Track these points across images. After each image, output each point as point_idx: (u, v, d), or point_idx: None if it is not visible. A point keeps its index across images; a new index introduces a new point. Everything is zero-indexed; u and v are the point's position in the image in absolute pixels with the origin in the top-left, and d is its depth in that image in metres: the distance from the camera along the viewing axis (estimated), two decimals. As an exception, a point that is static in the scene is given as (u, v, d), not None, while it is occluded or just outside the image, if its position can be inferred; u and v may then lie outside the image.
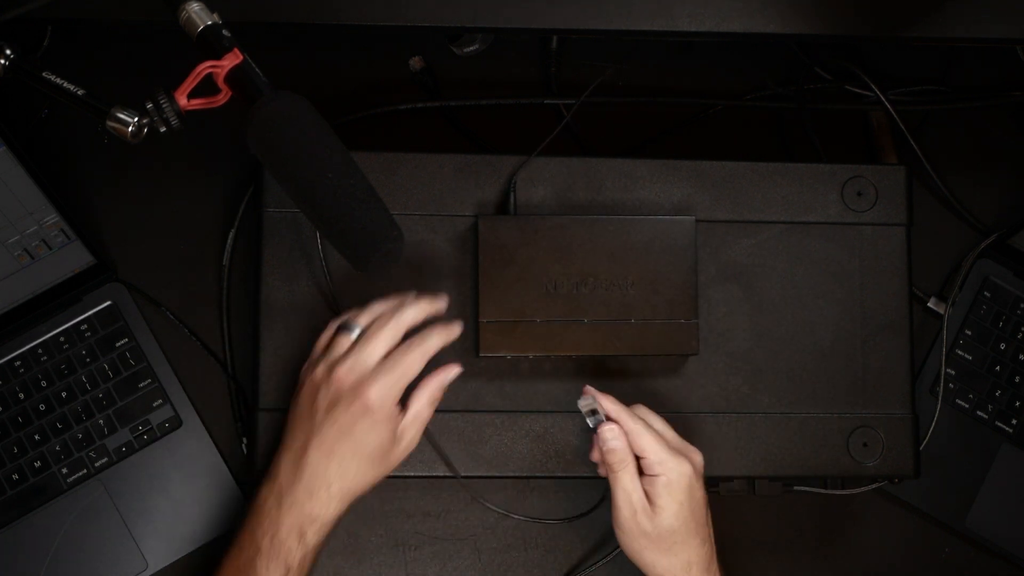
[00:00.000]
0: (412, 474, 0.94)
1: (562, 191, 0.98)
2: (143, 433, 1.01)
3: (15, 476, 0.99)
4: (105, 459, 1.00)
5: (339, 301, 0.95)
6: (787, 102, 1.12)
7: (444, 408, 0.94)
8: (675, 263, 0.94)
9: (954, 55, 1.14)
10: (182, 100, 0.74)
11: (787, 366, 0.98)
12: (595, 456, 0.92)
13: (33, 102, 1.06)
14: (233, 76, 0.75)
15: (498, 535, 1.02)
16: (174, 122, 0.75)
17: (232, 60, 0.74)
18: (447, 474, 0.95)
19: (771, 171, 1.00)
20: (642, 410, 0.92)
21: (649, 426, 0.89)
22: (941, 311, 1.08)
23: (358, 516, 1.01)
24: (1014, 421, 1.08)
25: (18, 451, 1.00)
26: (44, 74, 0.75)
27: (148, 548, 1.00)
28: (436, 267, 0.96)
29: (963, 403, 1.08)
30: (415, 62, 1.10)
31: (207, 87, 0.75)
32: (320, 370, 0.87)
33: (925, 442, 1.03)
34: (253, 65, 0.75)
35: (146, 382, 1.01)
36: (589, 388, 0.91)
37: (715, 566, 0.90)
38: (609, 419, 0.89)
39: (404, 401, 0.88)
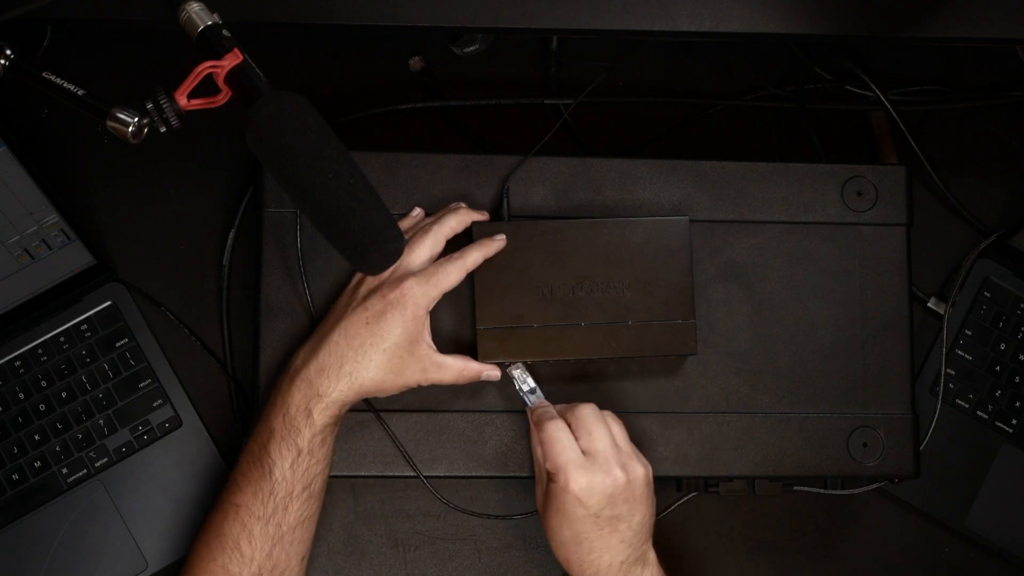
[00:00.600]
0: (412, 474, 0.94)
1: (562, 191, 0.98)
2: (143, 433, 1.01)
3: (15, 476, 0.99)
4: (105, 459, 1.00)
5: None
6: (787, 102, 1.12)
7: (444, 408, 0.94)
8: (671, 263, 0.94)
9: (954, 55, 1.14)
10: (182, 100, 0.74)
11: (787, 366, 0.98)
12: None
13: (33, 102, 1.06)
14: (233, 76, 0.75)
15: (498, 535, 1.02)
16: (174, 122, 0.75)
17: (232, 60, 0.74)
18: (447, 474, 0.95)
19: (771, 171, 1.00)
20: (588, 415, 0.89)
21: (565, 430, 0.87)
22: (941, 311, 1.08)
23: (358, 516, 1.01)
24: (1014, 421, 1.08)
25: (18, 451, 1.00)
26: (44, 74, 0.75)
27: (148, 548, 1.00)
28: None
29: (963, 403, 1.08)
30: (415, 62, 1.10)
31: (207, 87, 0.75)
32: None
33: (925, 442, 1.03)
34: (253, 65, 0.75)
35: (146, 382, 1.01)
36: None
37: (610, 572, 0.88)
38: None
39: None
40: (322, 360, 0.87)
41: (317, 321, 0.94)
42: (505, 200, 0.96)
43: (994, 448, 1.08)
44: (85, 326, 1.01)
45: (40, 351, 1.01)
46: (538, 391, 0.93)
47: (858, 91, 1.12)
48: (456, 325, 0.94)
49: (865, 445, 0.98)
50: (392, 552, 1.01)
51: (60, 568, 0.99)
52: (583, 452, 0.87)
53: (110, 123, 0.74)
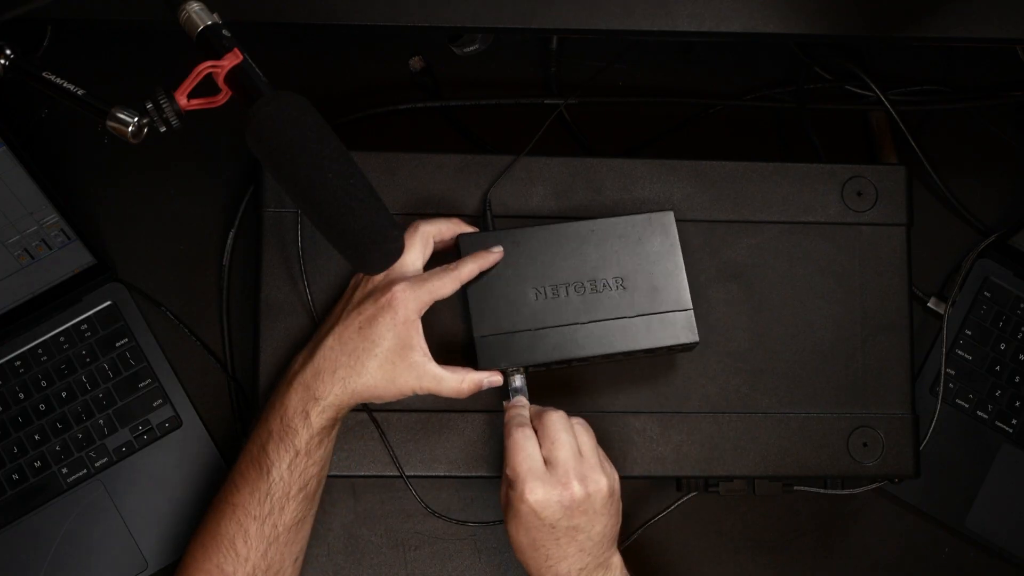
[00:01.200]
0: (411, 474, 0.94)
1: (561, 191, 0.98)
2: (143, 433, 1.01)
3: (15, 476, 0.99)
4: (105, 459, 1.00)
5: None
6: (787, 102, 1.12)
7: (444, 408, 0.94)
8: (661, 257, 0.93)
9: (954, 55, 1.14)
10: (182, 100, 0.74)
11: (787, 366, 0.98)
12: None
13: (33, 102, 1.06)
14: (233, 76, 0.75)
15: (498, 535, 1.02)
16: (174, 122, 0.75)
17: (232, 60, 0.75)
18: (447, 474, 0.95)
19: (771, 171, 1.00)
20: (555, 422, 0.88)
21: (531, 438, 0.87)
22: (941, 311, 1.08)
23: (358, 516, 1.01)
24: (1014, 421, 1.08)
25: (18, 451, 1.00)
26: (44, 74, 0.75)
27: (148, 548, 1.00)
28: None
29: (963, 403, 1.08)
30: (415, 62, 1.10)
31: (207, 87, 0.75)
32: (361, 274, 0.91)
33: (925, 442, 1.03)
34: (253, 65, 0.75)
35: (146, 382, 1.01)
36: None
37: None
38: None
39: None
40: (317, 364, 0.87)
41: (318, 322, 0.94)
42: (488, 211, 0.96)
43: (994, 448, 1.08)
44: (85, 326, 1.01)
45: (40, 351, 1.01)
46: (524, 390, 0.92)
47: (858, 91, 1.12)
48: (454, 334, 0.94)
49: (865, 445, 0.98)
50: (392, 552, 1.01)
51: (60, 568, 0.99)
52: (545, 461, 0.86)
53: (110, 123, 0.74)
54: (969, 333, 1.09)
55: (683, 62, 1.13)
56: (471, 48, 1.10)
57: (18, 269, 0.97)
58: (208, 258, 1.05)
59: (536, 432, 0.88)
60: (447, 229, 0.92)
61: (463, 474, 0.95)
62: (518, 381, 0.92)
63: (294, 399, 0.87)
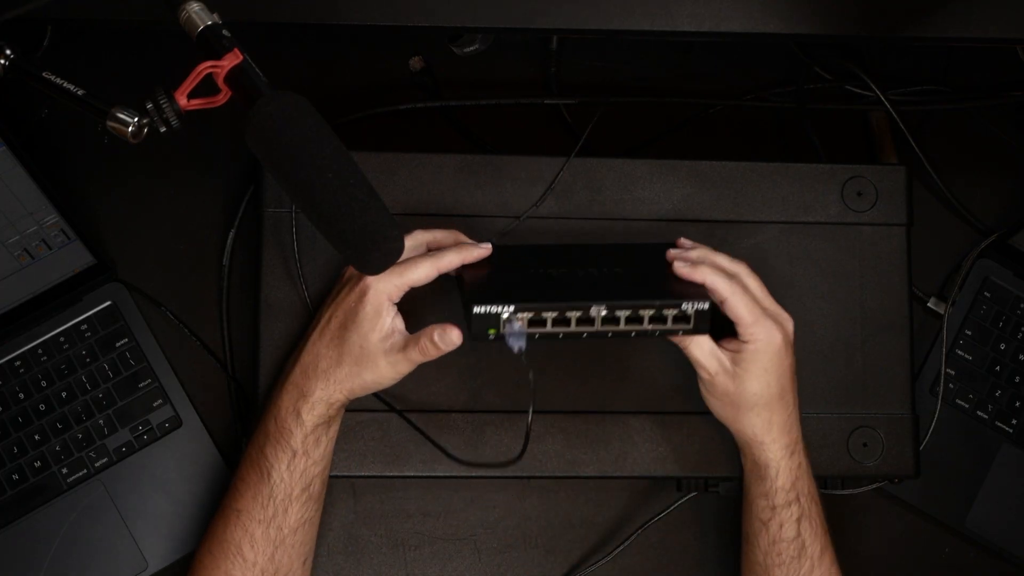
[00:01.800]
0: (412, 474, 0.94)
1: (561, 191, 0.98)
2: (143, 433, 1.01)
3: (15, 476, 0.99)
4: (105, 459, 1.00)
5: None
6: (787, 102, 1.12)
7: (444, 408, 0.94)
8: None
9: (954, 55, 1.14)
10: (182, 100, 0.74)
11: (787, 366, 0.98)
12: None
13: (33, 102, 1.06)
14: (233, 76, 0.75)
15: (498, 535, 1.02)
16: (174, 122, 0.75)
17: (232, 60, 0.74)
18: (448, 474, 0.95)
19: (771, 171, 1.00)
20: (742, 270, 0.90)
21: (745, 290, 0.88)
22: (941, 311, 1.08)
23: (358, 516, 1.01)
24: (1014, 421, 1.08)
25: (18, 451, 1.00)
26: (44, 74, 0.75)
27: (148, 548, 1.00)
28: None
29: (963, 403, 1.08)
30: (415, 62, 1.10)
31: (207, 87, 0.75)
32: (347, 269, 0.92)
33: (925, 442, 1.03)
34: (253, 65, 0.75)
35: (146, 382, 1.01)
36: (678, 267, 0.88)
37: (797, 427, 0.91)
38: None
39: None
40: (304, 361, 0.88)
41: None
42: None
43: (994, 448, 1.08)
44: (85, 326, 1.01)
45: (40, 351, 1.01)
46: (522, 335, 0.83)
47: (858, 91, 1.12)
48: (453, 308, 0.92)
49: (865, 445, 0.98)
50: (392, 552, 1.01)
51: (60, 568, 0.99)
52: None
53: (110, 123, 0.74)
54: (969, 333, 1.09)
55: (683, 62, 1.13)
56: (471, 48, 1.10)
57: (18, 269, 0.97)
58: (208, 258, 1.05)
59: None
60: (443, 237, 0.91)
61: (463, 474, 0.95)
62: (516, 325, 0.83)
63: (285, 399, 0.87)
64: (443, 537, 1.02)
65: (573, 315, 0.84)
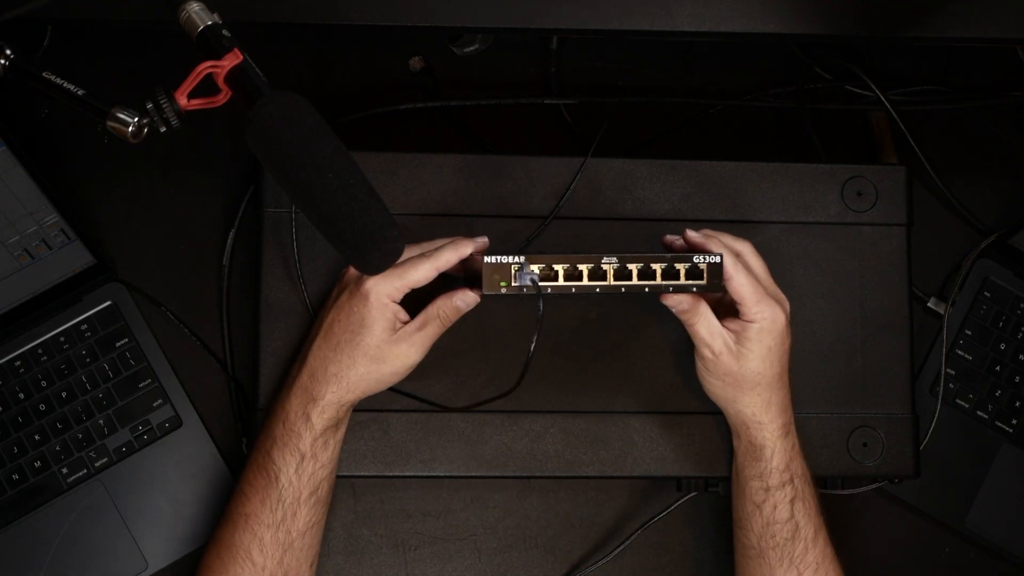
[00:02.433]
0: (412, 474, 0.94)
1: (561, 192, 0.98)
2: (143, 433, 1.01)
3: (15, 476, 0.99)
4: (105, 459, 1.00)
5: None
6: (787, 102, 1.12)
7: (444, 408, 0.94)
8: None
9: (954, 55, 1.14)
10: (182, 100, 0.74)
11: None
12: (666, 301, 0.89)
13: (33, 102, 1.06)
14: (233, 76, 0.75)
15: (498, 535, 1.02)
16: (174, 122, 0.75)
17: (232, 60, 0.74)
18: (447, 474, 0.95)
19: (771, 171, 1.00)
20: (747, 248, 0.91)
21: (749, 270, 0.89)
22: (941, 311, 1.08)
23: (358, 516, 1.01)
24: (1014, 421, 1.08)
25: (18, 451, 1.00)
26: (44, 74, 0.75)
27: (148, 548, 1.00)
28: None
29: (963, 403, 1.08)
30: (415, 62, 1.10)
31: (207, 87, 0.75)
32: (345, 271, 0.92)
33: (925, 442, 1.03)
34: (253, 65, 0.75)
35: (146, 382, 1.01)
36: (690, 233, 0.90)
37: (791, 407, 0.92)
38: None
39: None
40: (311, 365, 0.88)
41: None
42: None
43: (994, 448, 1.08)
44: (85, 326, 1.01)
45: (40, 351, 1.01)
46: (536, 281, 0.83)
47: (858, 91, 1.12)
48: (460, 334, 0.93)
49: (865, 445, 0.98)
50: (392, 552, 1.01)
51: (60, 568, 0.99)
52: None
53: (110, 123, 0.74)
54: (969, 333, 1.09)
55: (683, 62, 1.13)
56: (471, 48, 1.10)
57: (18, 269, 0.97)
58: (208, 258, 1.05)
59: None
60: (454, 255, 0.89)
61: (463, 474, 0.95)
62: (527, 278, 0.83)
63: (294, 403, 0.87)
64: (443, 537, 1.02)
65: (585, 267, 0.84)
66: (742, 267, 0.88)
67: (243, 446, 1.00)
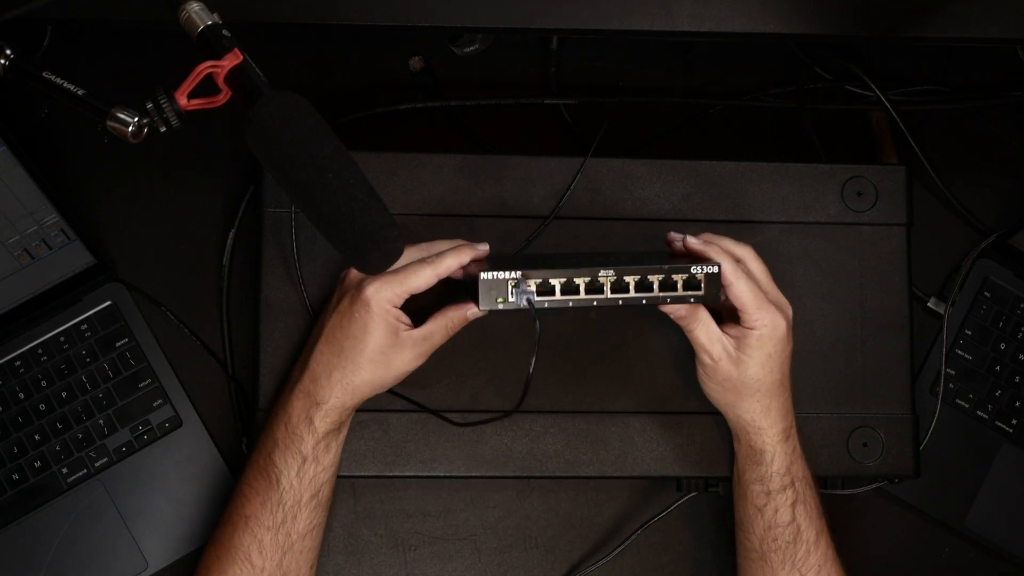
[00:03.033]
0: (412, 474, 0.94)
1: (561, 191, 0.98)
2: (143, 433, 1.01)
3: (15, 476, 0.99)
4: (105, 459, 1.00)
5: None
6: (787, 102, 1.12)
7: (444, 408, 0.94)
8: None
9: (954, 55, 1.14)
10: (182, 100, 0.74)
11: (787, 366, 0.98)
12: (663, 308, 0.89)
13: (33, 102, 1.06)
14: (233, 76, 0.75)
15: (498, 535, 1.02)
16: (174, 122, 0.75)
17: (232, 60, 0.74)
18: (447, 474, 0.95)
19: (771, 171, 1.00)
20: (748, 253, 0.91)
21: (750, 275, 0.89)
22: (941, 311, 1.08)
23: (358, 516, 1.01)
24: (1014, 421, 1.08)
25: (18, 451, 1.00)
26: (44, 74, 0.75)
27: (148, 548, 1.00)
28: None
29: (963, 403, 1.08)
30: (415, 62, 1.10)
31: (207, 87, 0.75)
32: (345, 275, 0.91)
33: (925, 442, 1.03)
34: (253, 65, 0.75)
35: (146, 382, 1.01)
36: (690, 240, 0.89)
37: (791, 412, 0.92)
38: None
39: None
40: (314, 370, 0.88)
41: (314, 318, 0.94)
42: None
43: (994, 448, 1.08)
44: (85, 326, 1.01)
45: (40, 351, 1.01)
46: (532, 296, 0.82)
47: (858, 91, 1.12)
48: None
49: (865, 445, 0.98)
50: (392, 552, 1.01)
51: (60, 568, 0.99)
52: None
53: (110, 123, 0.74)
54: (969, 333, 1.09)
55: (683, 62, 1.13)
56: (471, 48, 1.10)
57: (18, 269, 0.97)
58: (208, 258, 1.05)
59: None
60: (444, 246, 0.90)
61: (463, 474, 0.95)
62: (523, 296, 0.82)
63: (297, 406, 0.87)
64: (443, 537, 1.02)
65: (582, 281, 0.83)
66: (742, 273, 0.87)
67: (243, 446, 1.00)
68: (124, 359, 1.01)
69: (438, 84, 1.10)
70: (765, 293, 0.89)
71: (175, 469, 1.01)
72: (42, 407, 1.00)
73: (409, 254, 0.89)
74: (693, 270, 0.83)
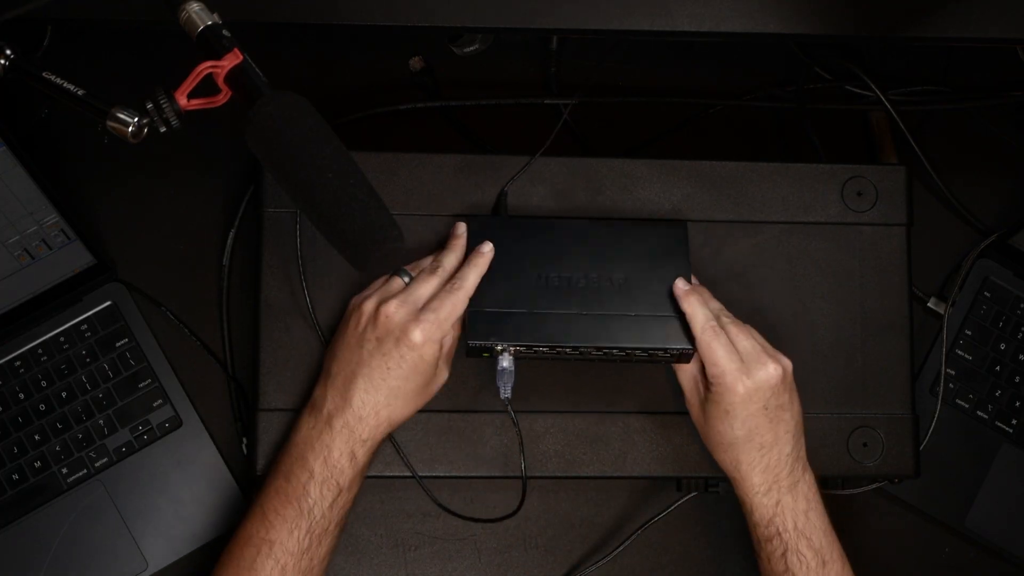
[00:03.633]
0: (412, 474, 0.94)
1: (561, 191, 0.98)
2: (143, 433, 1.01)
3: (15, 476, 0.99)
4: (105, 459, 1.00)
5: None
6: (787, 102, 1.12)
7: (444, 408, 0.94)
8: (668, 265, 0.93)
9: (954, 55, 1.14)
10: (182, 100, 0.74)
11: (787, 366, 0.98)
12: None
13: (33, 102, 1.06)
14: (233, 76, 0.75)
15: (498, 535, 1.02)
16: (174, 122, 0.75)
17: (232, 60, 0.75)
18: (447, 474, 0.95)
19: (771, 171, 1.00)
20: (722, 314, 0.92)
21: (720, 332, 0.89)
22: (941, 311, 1.08)
23: (358, 516, 1.01)
24: (1014, 421, 1.08)
25: (18, 451, 1.00)
26: (44, 74, 0.75)
27: (148, 548, 1.00)
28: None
29: (963, 403, 1.08)
30: (415, 62, 1.10)
31: (207, 87, 0.75)
32: (371, 304, 0.90)
33: (925, 442, 1.03)
34: (253, 65, 0.75)
35: (146, 382, 1.01)
36: (677, 286, 0.93)
37: (779, 467, 0.90)
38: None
39: None
40: (357, 410, 0.88)
41: (315, 327, 0.94)
42: (504, 205, 0.96)
43: (994, 448, 1.08)
44: (85, 326, 1.01)
45: (40, 351, 1.01)
46: (511, 372, 0.91)
47: (858, 91, 1.12)
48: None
49: (865, 445, 0.98)
50: (392, 552, 1.01)
51: (60, 568, 0.99)
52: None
53: (110, 123, 0.74)
54: (969, 333, 1.09)
55: (683, 62, 1.13)
56: (471, 48, 1.10)
57: (18, 269, 0.97)
58: (208, 258, 1.05)
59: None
60: (459, 260, 0.93)
61: (463, 474, 0.95)
62: (506, 362, 0.91)
63: (339, 442, 0.87)
64: (443, 537, 1.02)
65: (564, 349, 0.92)
66: (713, 329, 0.90)
67: (243, 446, 1.00)
68: (124, 359, 1.01)
69: (438, 84, 1.10)
70: (739, 351, 0.89)
71: (175, 469, 1.01)
72: (42, 407, 1.00)
73: (428, 283, 0.90)
74: (670, 350, 0.91)
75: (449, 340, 0.91)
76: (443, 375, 0.92)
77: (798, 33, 0.97)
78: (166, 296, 1.03)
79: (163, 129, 0.75)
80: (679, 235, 0.95)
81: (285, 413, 0.93)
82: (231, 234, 1.04)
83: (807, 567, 0.90)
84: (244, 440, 1.00)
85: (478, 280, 0.91)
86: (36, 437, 1.00)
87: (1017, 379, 1.08)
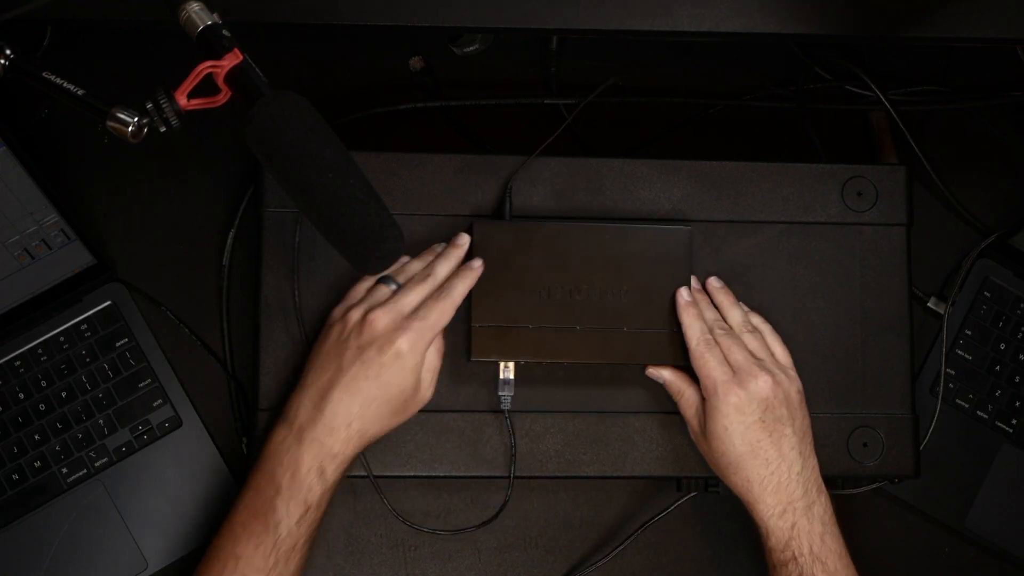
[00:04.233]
0: (412, 474, 0.94)
1: (561, 191, 0.98)
2: (143, 433, 1.01)
3: (15, 476, 0.99)
4: (105, 459, 1.00)
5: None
6: (787, 102, 1.12)
7: (444, 408, 0.94)
8: (670, 272, 0.94)
9: (954, 55, 1.14)
10: (182, 100, 0.74)
11: (787, 366, 0.98)
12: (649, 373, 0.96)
13: (33, 102, 1.06)
14: (233, 76, 0.75)
15: (498, 535, 1.02)
16: (174, 122, 0.75)
17: (232, 60, 0.75)
18: (447, 474, 0.95)
19: (771, 171, 1.00)
20: (720, 328, 0.93)
21: (714, 345, 0.90)
22: (941, 311, 1.08)
23: (358, 516, 1.01)
24: (1014, 421, 1.08)
25: (18, 451, 1.00)
26: (44, 74, 0.75)
27: (148, 548, 1.00)
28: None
29: (963, 403, 1.08)
30: (415, 62, 1.10)
31: (207, 87, 0.75)
32: (356, 313, 0.89)
33: (925, 442, 1.03)
34: (253, 65, 0.75)
35: (146, 382, 1.01)
36: (680, 295, 0.94)
37: (794, 486, 0.89)
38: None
39: None
40: (329, 421, 0.86)
41: (304, 328, 0.93)
42: (508, 200, 0.96)
43: (994, 448, 1.08)
44: (85, 326, 1.01)
45: (40, 351, 1.01)
46: (511, 383, 0.93)
47: (858, 91, 1.12)
48: (452, 323, 0.94)
49: (865, 445, 0.98)
50: (392, 552, 1.01)
51: (60, 568, 0.99)
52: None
53: (110, 123, 0.74)
54: (969, 333, 1.09)
55: (683, 62, 1.13)
56: (471, 48, 1.10)
57: (18, 269, 0.97)
58: (208, 258, 1.05)
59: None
60: (450, 269, 0.92)
61: (463, 474, 0.95)
62: (508, 373, 0.93)
63: (308, 456, 0.85)
64: (443, 537, 1.02)
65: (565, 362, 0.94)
66: (707, 342, 0.91)
67: (243, 446, 1.00)
68: (124, 359, 1.01)
69: (438, 84, 1.10)
70: (731, 363, 0.90)
71: (175, 469, 1.01)
72: (42, 407, 1.00)
73: (417, 291, 0.89)
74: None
75: (434, 355, 0.89)
76: (426, 394, 0.90)
77: (798, 33, 0.97)
78: (166, 296, 1.03)
79: (163, 129, 0.75)
80: (683, 240, 0.95)
81: (285, 413, 0.93)
82: (231, 234, 1.04)
83: None
84: (244, 440, 1.00)
85: (467, 292, 0.90)
86: (36, 437, 1.00)
87: (1017, 379, 1.08)
